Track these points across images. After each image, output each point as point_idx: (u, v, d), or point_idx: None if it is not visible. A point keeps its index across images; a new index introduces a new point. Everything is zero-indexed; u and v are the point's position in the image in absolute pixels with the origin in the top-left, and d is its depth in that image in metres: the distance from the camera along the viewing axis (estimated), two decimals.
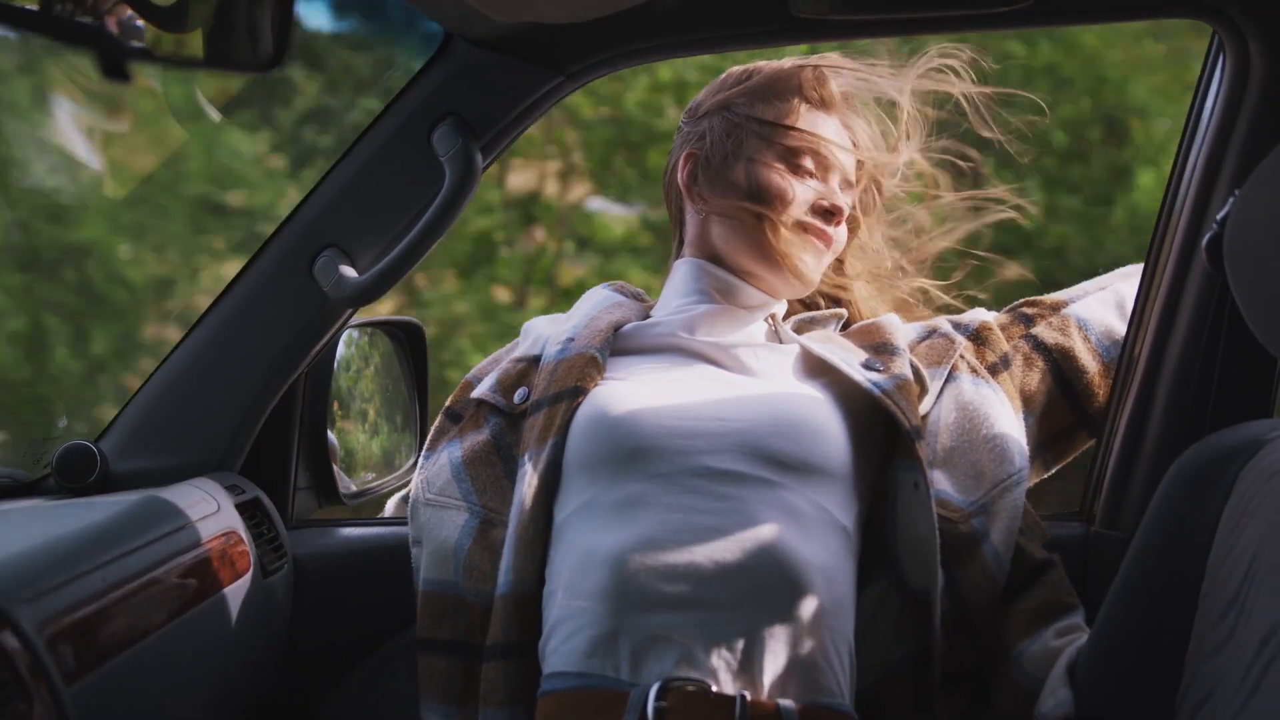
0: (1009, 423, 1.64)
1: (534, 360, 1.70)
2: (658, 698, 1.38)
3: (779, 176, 1.65)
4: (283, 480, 1.84)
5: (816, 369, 1.64)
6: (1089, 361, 1.74)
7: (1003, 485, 1.59)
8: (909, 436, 1.54)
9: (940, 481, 1.60)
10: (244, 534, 1.65)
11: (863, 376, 1.58)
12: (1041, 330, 1.74)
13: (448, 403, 1.77)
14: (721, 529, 1.44)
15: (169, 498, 1.57)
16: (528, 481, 1.55)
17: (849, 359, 1.62)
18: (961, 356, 1.69)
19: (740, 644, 1.41)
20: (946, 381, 1.67)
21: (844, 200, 1.70)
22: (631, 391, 1.57)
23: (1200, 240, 1.57)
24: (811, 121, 1.68)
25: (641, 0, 1.54)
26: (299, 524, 1.87)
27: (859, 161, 1.72)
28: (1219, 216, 1.21)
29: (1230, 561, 1.37)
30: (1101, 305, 1.77)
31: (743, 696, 1.39)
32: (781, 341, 1.69)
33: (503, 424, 1.67)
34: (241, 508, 1.69)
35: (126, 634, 1.31)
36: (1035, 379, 1.72)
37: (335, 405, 1.93)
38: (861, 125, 1.73)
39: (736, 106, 1.69)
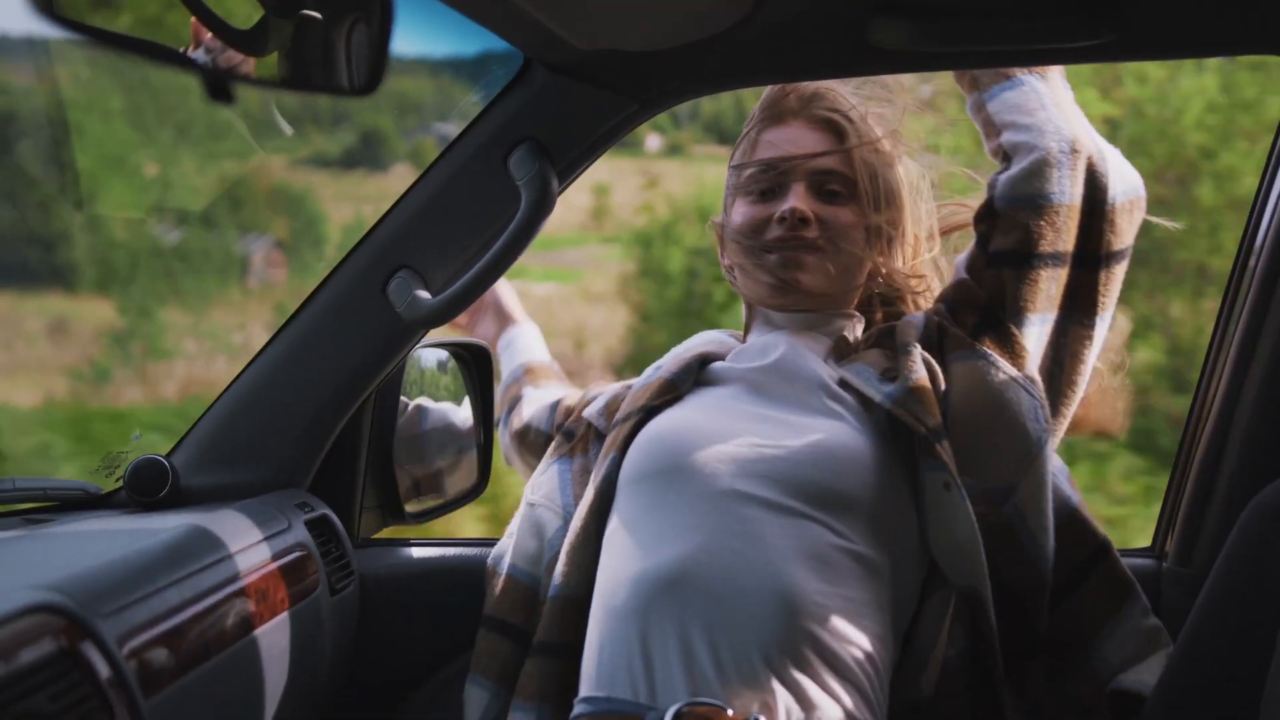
0: (1011, 390, 1.58)
1: None
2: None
3: (740, 213, 1.72)
4: (350, 498, 1.85)
5: (848, 389, 1.62)
6: (1045, 226, 1.63)
7: (1026, 461, 1.56)
8: (925, 440, 1.53)
9: (967, 473, 1.55)
10: (313, 551, 1.66)
11: (877, 391, 1.57)
12: (997, 242, 1.65)
13: (566, 421, 1.84)
14: (742, 554, 1.46)
15: (240, 514, 1.58)
16: (587, 492, 1.64)
17: (868, 374, 1.61)
18: (945, 332, 1.64)
19: (757, 671, 1.42)
20: (949, 364, 1.62)
21: (803, 201, 1.67)
22: (686, 414, 1.63)
23: None
24: (765, 139, 1.73)
25: (720, 30, 1.54)
26: (365, 543, 1.88)
27: (846, 153, 1.69)
28: None
29: None
30: (1012, 178, 1.65)
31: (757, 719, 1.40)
32: (839, 361, 1.67)
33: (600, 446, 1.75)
34: (310, 525, 1.70)
35: (201, 649, 1.32)
36: (1023, 284, 1.63)
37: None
38: (840, 117, 1.71)
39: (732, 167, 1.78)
